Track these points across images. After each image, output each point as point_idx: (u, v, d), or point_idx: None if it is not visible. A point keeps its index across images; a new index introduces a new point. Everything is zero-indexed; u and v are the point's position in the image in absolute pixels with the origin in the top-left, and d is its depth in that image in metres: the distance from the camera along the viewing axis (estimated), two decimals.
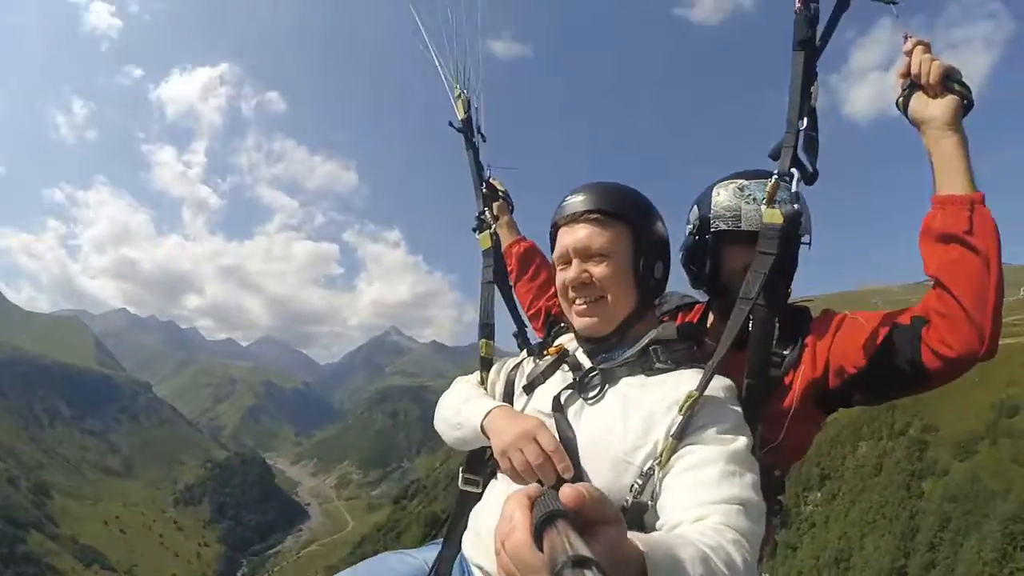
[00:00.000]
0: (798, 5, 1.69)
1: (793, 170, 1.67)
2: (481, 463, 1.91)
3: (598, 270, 1.61)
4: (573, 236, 1.64)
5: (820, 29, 1.71)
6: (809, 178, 1.70)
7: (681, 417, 1.43)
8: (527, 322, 2.37)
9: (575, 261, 1.64)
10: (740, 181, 1.99)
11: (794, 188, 1.66)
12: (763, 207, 1.68)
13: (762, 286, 1.60)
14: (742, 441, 1.42)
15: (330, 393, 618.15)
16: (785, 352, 1.85)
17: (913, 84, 1.67)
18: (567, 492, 0.74)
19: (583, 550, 0.64)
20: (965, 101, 1.60)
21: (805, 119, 1.67)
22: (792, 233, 1.64)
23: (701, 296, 2.23)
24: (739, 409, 1.53)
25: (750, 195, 1.95)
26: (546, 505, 0.72)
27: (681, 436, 1.41)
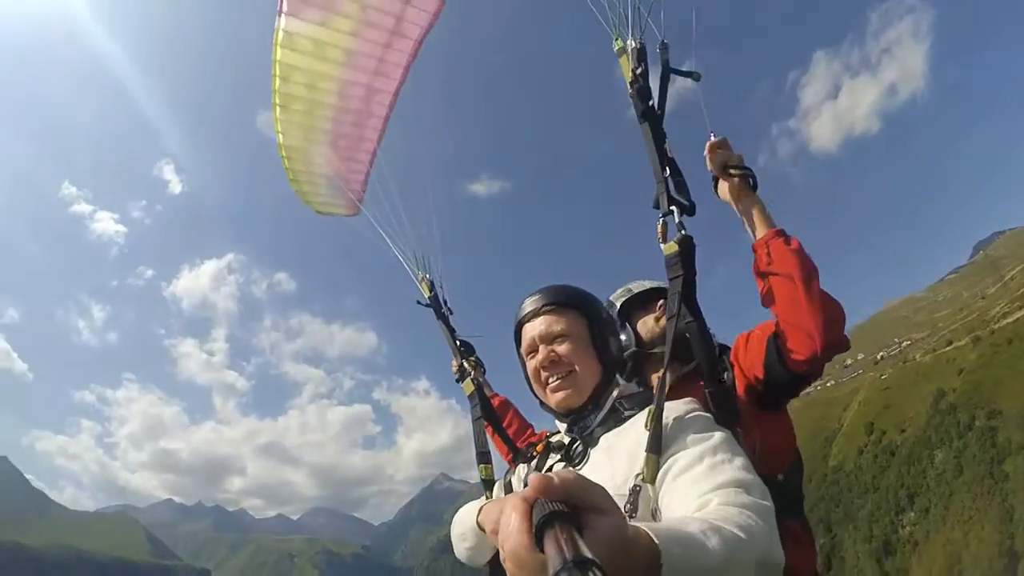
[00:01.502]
0: (630, 90, 2.16)
1: (672, 208, 1.97)
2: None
3: (563, 348, 1.83)
4: (536, 327, 1.89)
5: (656, 100, 2.14)
6: (689, 210, 1.99)
7: (648, 431, 1.56)
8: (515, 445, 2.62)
9: (541, 347, 1.86)
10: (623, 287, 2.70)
11: (677, 220, 1.96)
12: (661, 246, 1.95)
13: (679, 302, 1.84)
14: (719, 435, 1.53)
15: (391, 552, 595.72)
16: (723, 379, 2.09)
17: (714, 176, 2.19)
18: (533, 479, 0.77)
19: (584, 551, 0.63)
20: (750, 180, 2.09)
21: (667, 168, 2.04)
22: (689, 255, 1.89)
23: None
24: (707, 415, 1.69)
25: (631, 284, 2.69)
26: (545, 507, 0.72)
27: (656, 450, 1.52)
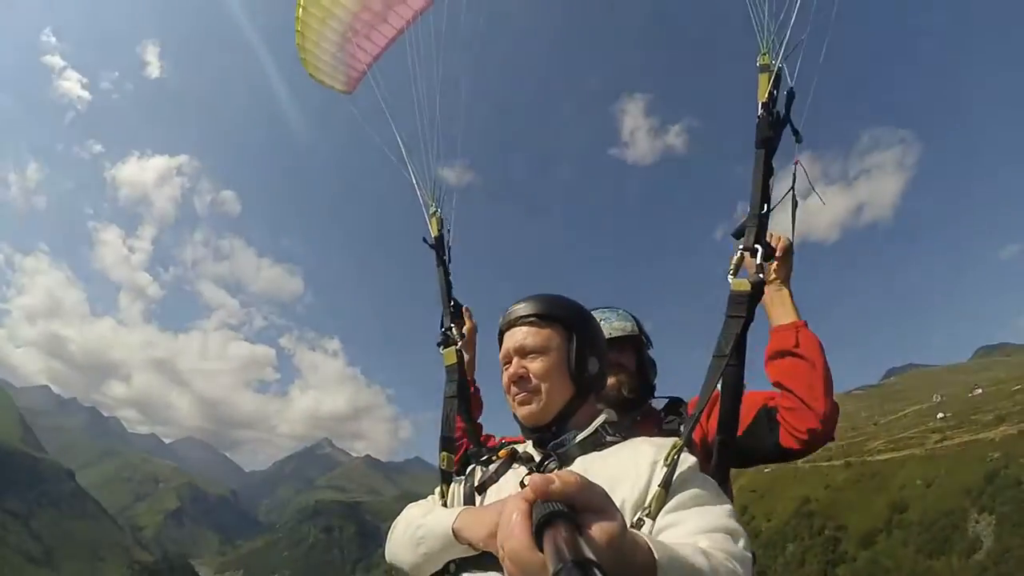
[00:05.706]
0: (761, 111, 2.04)
1: (757, 246, 1.91)
2: None
3: (533, 366, 1.75)
4: (512, 338, 1.81)
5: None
6: (771, 256, 1.98)
7: (665, 467, 1.49)
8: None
9: (515, 359, 1.79)
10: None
11: (759, 261, 1.90)
12: (730, 278, 1.91)
13: (734, 345, 1.80)
14: (711, 480, 1.55)
15: (255, 503, 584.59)
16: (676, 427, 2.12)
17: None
18: (533, 480, 0.77)
19: (584, 551, 0.64)
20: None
21: (766, 205, 1.94)
22: (757, 299, 1.86)
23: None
24: (694, 457, 1.57)
25: (604, 321, 2.46)
26: (545, 507, 0.73)
27: (667, 486, 1.45)
